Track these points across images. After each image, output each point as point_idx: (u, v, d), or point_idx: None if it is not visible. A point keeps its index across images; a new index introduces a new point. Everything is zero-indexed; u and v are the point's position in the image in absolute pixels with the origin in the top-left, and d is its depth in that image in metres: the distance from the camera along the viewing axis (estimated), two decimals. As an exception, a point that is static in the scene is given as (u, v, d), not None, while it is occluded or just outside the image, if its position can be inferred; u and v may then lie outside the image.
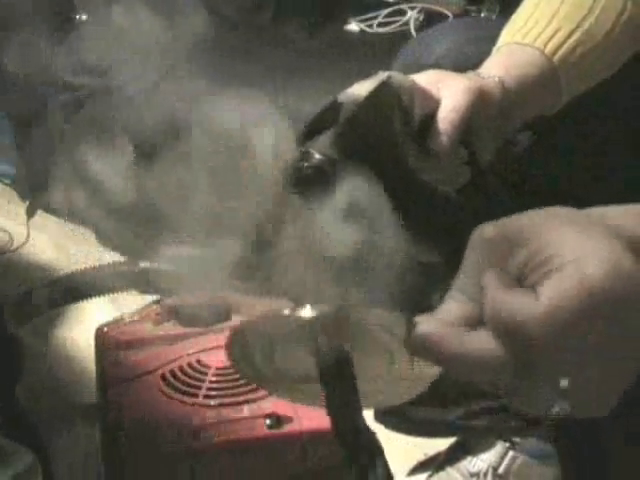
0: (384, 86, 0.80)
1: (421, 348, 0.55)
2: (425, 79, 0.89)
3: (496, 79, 0.91)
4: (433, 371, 0.60)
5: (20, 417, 1.36)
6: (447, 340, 0.54)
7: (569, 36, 0.96)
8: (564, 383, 0.54)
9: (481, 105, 0.88)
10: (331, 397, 0.58)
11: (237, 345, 0.61)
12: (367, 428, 0.58)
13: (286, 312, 0.59)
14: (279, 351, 0.61)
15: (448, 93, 0.87)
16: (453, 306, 0.56)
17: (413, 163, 0.83)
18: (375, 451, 0.56)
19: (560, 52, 0.95)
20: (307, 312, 0.58)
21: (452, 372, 0.55)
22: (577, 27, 0.96)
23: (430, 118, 0.87)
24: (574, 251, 0.50)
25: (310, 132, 0.76)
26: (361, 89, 0.81)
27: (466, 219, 0.83)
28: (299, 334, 0.59)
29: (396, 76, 0.83)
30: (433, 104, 0.87)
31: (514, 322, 0.51)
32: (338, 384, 0.57)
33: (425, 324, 0.55)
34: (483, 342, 0.53)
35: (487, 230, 0.55)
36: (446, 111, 0.86)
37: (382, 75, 0.83)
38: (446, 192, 0.84)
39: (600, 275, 0.50)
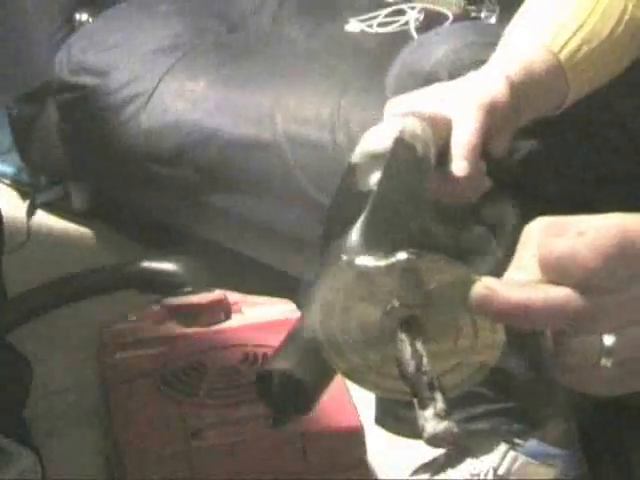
0: (400, 146, 0.78)
1: (481, 300, 0.56)
2: (430, 98, 0.88)
3: (503, 76, 0.90)
4: (494, 351, 0.61)
5: (26, 433, 1.36)
6: (506, 289, 0.56)
7: (574, 34, 0.95)
8: (609, 340, 0.56)
9: (493, 116, 0.87)
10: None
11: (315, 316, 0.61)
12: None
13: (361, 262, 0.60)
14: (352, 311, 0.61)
15: (459, 114, 0.86)
16: (512, 275, 0.58)
17: (434, 193, 0.82)
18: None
19: (565, 50, 0.94)
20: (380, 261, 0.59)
21: (512, 322, 0.57)
22: (581, 26, 0.96)
23: (445, 144, 0.85)
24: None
25: (334, 216, 0.73)
26: (374, 146, 0.79)
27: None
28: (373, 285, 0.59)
29: (409, 126, 0.81)
30: (444, 127, 0.86)
31: (567, 252, 0.55)
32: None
33: (486, 280, 0.57)
34: (540, 289, 0.56)
35: (544, 223, 0.58)
36: (460, 135, 0.85)
37: (393, 129, 0.80)
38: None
39: (634, 223, 0.55)
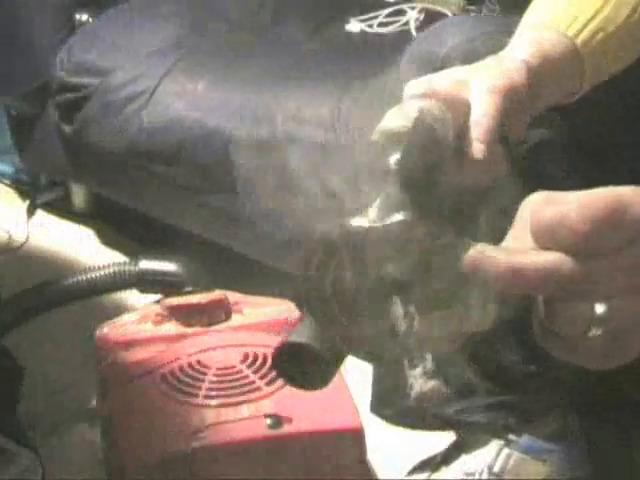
0: (420, 127, 0.78)
1: (474, 264, 0.56)
2: (448, 80, 0.88)
3: (521, 60, 0.90)
4: (486, 318, 0.61)
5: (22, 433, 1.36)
6: (499, 254, 0.56)
7: (589, 21, 0.96)
8: (600, 309, 0.56)
9: (510, 99, 0.86)
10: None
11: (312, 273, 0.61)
12: None
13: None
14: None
15: (476, 96, 0.86)
16: (506, 244, 0.59)
17: (450, 175, 0.82)
18: None
19: (581, 35, 0.95)
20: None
21: (504, 287, 0.57)
22: (596, 13, 0.97)
23: (462, 125, 0.85)
24: None
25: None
26: (394, 125, 0.79)
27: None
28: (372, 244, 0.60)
29: (428, 107, 0.81)
30: (462, 109, 0.85)
31: (556, 217, 0.55)
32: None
33: (480, 245, 0.57)
34: (532, 254, 0.56)
35: (539, 196, 0.58)
36: (478, 117, 0.85)
37: (413, 109, 0.80)
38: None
39: (629, 191, 0.55)
